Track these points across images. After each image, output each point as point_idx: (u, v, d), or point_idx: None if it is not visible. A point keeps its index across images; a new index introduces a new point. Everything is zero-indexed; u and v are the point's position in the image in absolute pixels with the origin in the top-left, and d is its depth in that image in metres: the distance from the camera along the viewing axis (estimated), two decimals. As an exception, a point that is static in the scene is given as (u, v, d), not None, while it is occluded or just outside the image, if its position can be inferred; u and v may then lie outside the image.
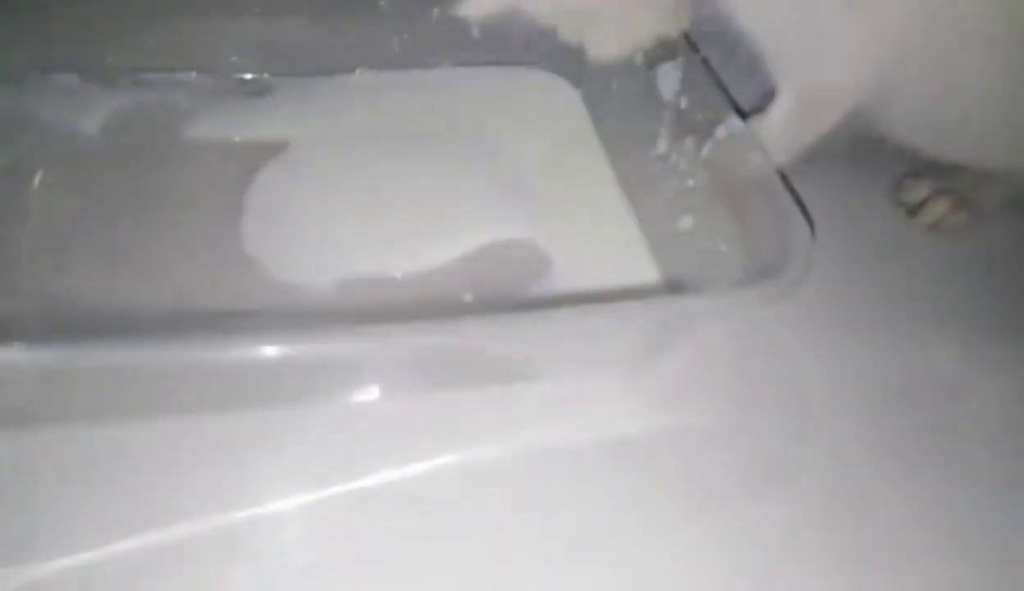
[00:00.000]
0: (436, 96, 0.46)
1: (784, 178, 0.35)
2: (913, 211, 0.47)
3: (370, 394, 0.32)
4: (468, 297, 0.36)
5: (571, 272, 0.38)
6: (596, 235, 0.40)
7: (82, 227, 0.36)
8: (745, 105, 0.42)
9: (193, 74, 0.44)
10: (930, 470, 0.35)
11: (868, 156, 0.47)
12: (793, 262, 0.30)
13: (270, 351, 0.24)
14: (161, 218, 0.37)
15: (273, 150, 0.41)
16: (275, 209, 0.38)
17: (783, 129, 0.39)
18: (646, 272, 0.38)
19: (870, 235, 0.46)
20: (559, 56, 0.47)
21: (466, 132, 0.45)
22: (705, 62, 0.40)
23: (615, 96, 0.45)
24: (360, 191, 0.40)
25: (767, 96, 0.40)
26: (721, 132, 0.37)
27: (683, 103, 0.39)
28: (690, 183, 0.38)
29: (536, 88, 0.49)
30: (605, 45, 0.38)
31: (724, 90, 0.39)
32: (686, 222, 0.37)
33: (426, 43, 0.47)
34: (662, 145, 0.40)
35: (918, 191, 0.47)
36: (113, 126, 0.41)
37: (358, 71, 0.47)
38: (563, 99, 0.49)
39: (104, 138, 0.41)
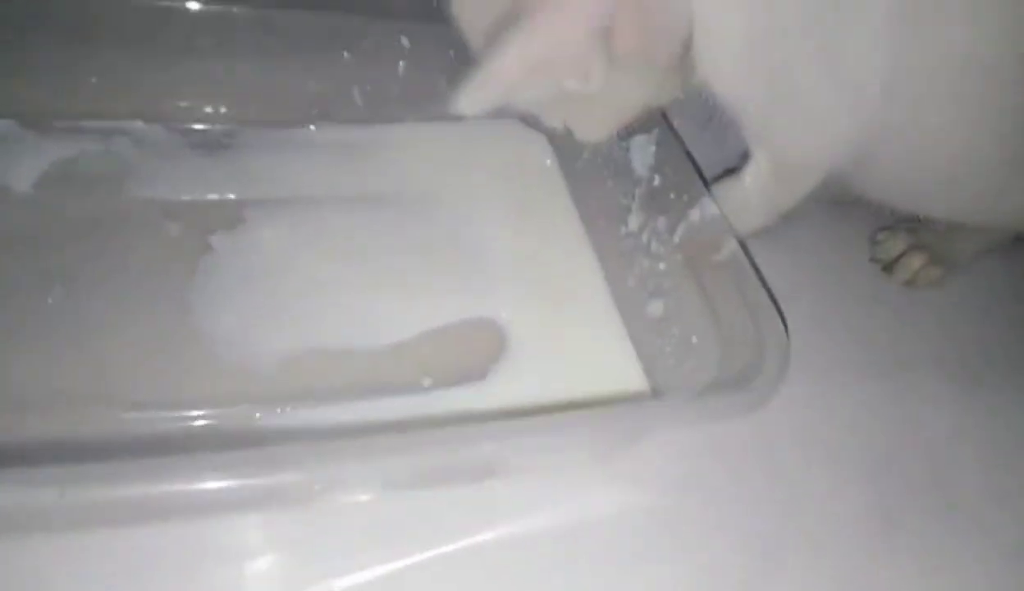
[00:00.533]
0: (400, 154, 0.44)
1: (757, 270, 0.34)
2: (888, 267, 0.47)
3: (344, 497, 0.31)
4: (427, 381, 0.35)
5: (535, 355, 0.36)
6: (563, 313, 0.38)
7: (7, 295, 0.33)
8: (717, 168, 0.42)
9: (139, 123, 0.41)
10: (931, 533, 0.34)
11: (843, 212, 0.47)
12: (767, 369, 0.30)
13: (217, 484, 0.22)
14: (99, 288, 0.34)
15: (225, 213, 0.39)
16: (226, 280, 0.36)
17: (758, 193, 0.38)
18: (614, 358, 0.37)
19: (847, 294, 0.45)
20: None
21: (431, 194, 0.43)
22: (672, 128, 0.40)
23: (587, 164, 0.43)
24: (317, 261, 0.38)
25: (741, 157, 0.39)
26: (695, 215, 0.36)
27: (656, 180, 0.38)
28: (661, 266, 0.36)
29: (508, 144, 0.47)
30: (593, 128, 0.36)
31: (695, 165, 0.38)
32: (656, 307, 0.36)
33: (390, 96, 0.45)
34: (633, 222, 0.39)
35: (893, 246, 0.47)
36: (49, 180, 0.38)
37: (317, 125, 0.44)
38: (537, 157, 0.47)
39: (38, 194, 0.37)
